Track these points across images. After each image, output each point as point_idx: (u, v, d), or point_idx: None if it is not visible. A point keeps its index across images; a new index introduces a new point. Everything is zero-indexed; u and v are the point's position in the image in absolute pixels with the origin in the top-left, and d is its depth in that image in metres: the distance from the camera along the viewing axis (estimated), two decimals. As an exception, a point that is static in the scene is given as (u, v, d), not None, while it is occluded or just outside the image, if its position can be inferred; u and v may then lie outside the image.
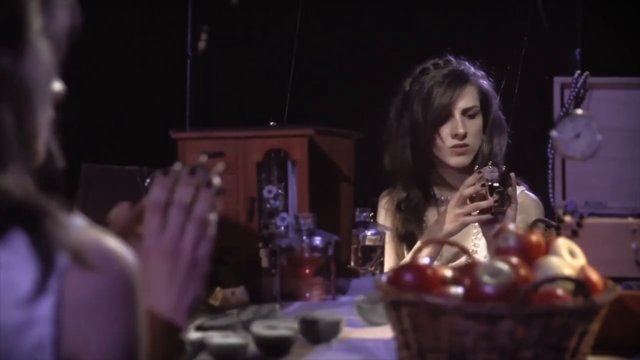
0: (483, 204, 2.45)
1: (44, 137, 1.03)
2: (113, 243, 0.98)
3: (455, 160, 2.65)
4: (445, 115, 2.64)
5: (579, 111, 1.71)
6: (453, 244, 1.69)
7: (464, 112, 2.64)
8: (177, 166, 1.23)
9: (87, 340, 0.95)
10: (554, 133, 1.69)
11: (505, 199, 2.45)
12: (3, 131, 0.98)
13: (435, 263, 2.55)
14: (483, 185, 2.46)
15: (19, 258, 0.94)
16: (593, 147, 1.68)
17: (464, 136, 2.62)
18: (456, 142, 2.62)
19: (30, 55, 1.00)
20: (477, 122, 2.65)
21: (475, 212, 2.47)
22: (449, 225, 2.50)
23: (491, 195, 2.44)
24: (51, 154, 1.05)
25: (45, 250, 0.94)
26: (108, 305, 0.96)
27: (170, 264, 1.18)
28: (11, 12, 0.99)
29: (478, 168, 2.50)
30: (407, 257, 2.62)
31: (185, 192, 1.20)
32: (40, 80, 1.02)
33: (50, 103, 1.05)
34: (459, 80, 2.64)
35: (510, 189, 2.45)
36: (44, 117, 1.03)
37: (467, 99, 2.64)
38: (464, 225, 2.50)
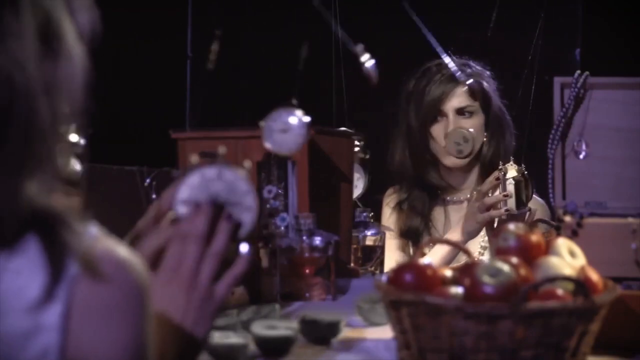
0: (491, 199, 2.42)
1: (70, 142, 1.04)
2: (125, 253, 0.98)
3: (450, 160, 2.65)
4: (434, 114, 2.64)
5: (294, 105, 1.75)
6: (453, 244, 1.69)
7: (458, 111, 2.63)
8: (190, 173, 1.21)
9: (93, 350, 0.95)
10: (264, 123, 1.74)
11: (521, 198, 2.41)
12: (42, 137, 0.98)
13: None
14: (498, 179, 2.42)
15: (31, 264, 0.93)
16: (296, 146, 1.73)
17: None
18: None
19: (66, 58, 1.01)
20: (473, 121, 2.64)
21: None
22: (466, 225, 2.48)
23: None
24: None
25: (56, 257, 0.94)
26: (117, 315, 0.96)
27: (187, 296, 1.17)
28: (48, 17, 1.00)
29: (501, 166, 2.47)
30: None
31: (202, 224, 1.17)
32: (75, 84, 1.02)
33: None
34: (451, 79, 2.64)
35: (526, 191, 2.43)
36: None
37: (460, 98, 2.64)
38: (481, 223, 2.45)
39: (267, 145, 1.95)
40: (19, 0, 0.98)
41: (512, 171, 2.42)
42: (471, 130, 2.60)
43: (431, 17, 3.72)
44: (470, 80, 2.64)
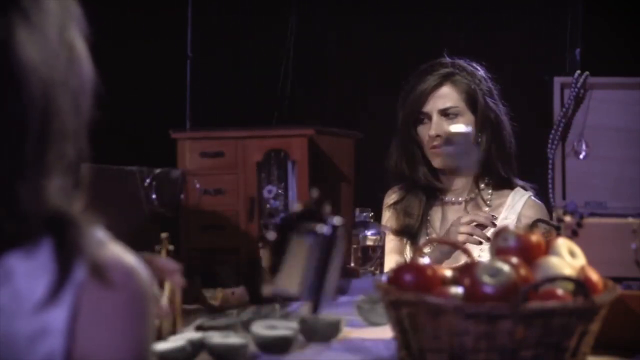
0: (477, 239, 2.46)
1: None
2: (132, 260, 0.99)
3: (436, 161, 2.65)
4: (417, 115, 2.64)
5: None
6: (453, 244, 1.69)
7: (442, 112, 2.62)
8: None
9: (97, 355, 0.96)
10: None
11: None
12: (63, 137, 0.98)
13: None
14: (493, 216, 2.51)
15: (42, 267, 0.94)
16: None
17: (439, 137, 2.61)
18: (433, 143, 2.62)
19: (78, 65, 1.02)
20: (459, 123, 2.63)
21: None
22: (454, 237, 2.50)
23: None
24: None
25: (66, 261, 0.94)
26: (122, 321, 0.97)
27: None
28: (64, 24, 1.00)
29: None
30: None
31: None
32: (86, 91, 1.03)
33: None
34: (433, 81, 2.63)
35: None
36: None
37: (444, 100, 2.63)
38: (463, 241, 2.49)
39: None
40: (40, 0, 0.99)
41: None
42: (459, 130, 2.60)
43: (431, 17, 3.72)
44: (467, 81, 2.63)
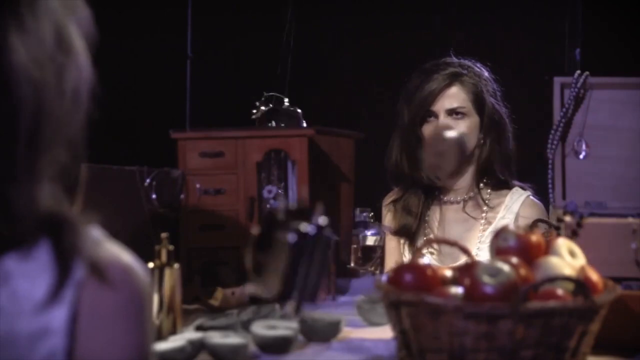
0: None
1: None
2: (129, 259, 1.00)
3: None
4: (424, 114, 2.63)
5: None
6: (453, 244, 1.68)
7: (449, 112, 2.62)
8: None
9: (98, 354, 0.96)
10: None
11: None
12: (56, 140, 0.98)
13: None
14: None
15: (41, 267, 0.94)
16: None
17: None
18: None
19: (76, 66, 1.02)
20: (465, 123, 2.62)
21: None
22: None
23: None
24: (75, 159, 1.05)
25: (64, 260, 0.95)
26: (122, 320, 0.97)
27: None
28: (60, 24, 1.00)
29: None
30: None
31: None
32: (82, 91, 1.03)
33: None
34: (442, 80, 2.63)
35: None
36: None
37: (451, 99, 2.63)
38: None
39: None
40: (35, 2, 0.98)
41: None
42: (452, 135, 2.59)
43: (431, 17, 3.72)
44: (473, 82, 2.63)
